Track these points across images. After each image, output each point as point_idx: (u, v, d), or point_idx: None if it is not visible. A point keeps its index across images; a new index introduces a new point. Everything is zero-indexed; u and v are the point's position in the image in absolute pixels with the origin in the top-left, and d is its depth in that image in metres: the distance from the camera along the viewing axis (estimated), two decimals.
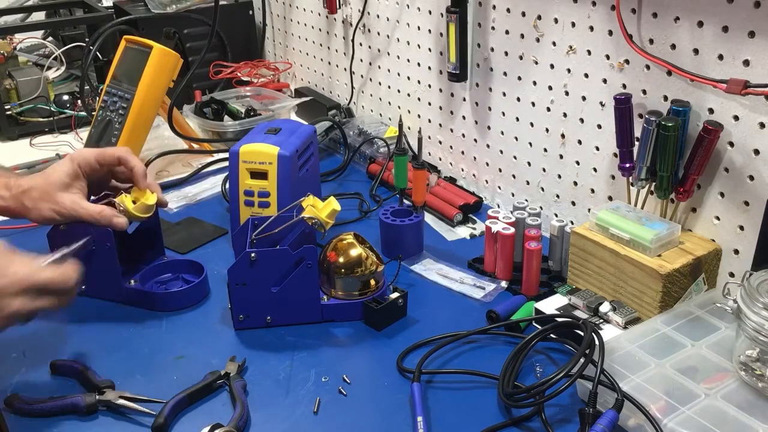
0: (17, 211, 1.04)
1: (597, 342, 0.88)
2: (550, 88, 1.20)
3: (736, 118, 0.95)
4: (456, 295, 1.13)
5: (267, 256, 1.01)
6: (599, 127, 1.14)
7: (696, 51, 0.97)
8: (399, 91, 1.59)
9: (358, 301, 1.06)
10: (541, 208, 1.21)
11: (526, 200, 1.30)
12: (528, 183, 1.31)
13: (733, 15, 0.92)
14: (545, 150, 1.25)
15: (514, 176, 1.34)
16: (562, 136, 1.21)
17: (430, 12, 1.42)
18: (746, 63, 0.92)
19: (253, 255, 1.00)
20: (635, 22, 1.03)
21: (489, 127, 1.36)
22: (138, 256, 1.17)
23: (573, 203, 1.23)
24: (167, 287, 1.14)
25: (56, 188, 1.05)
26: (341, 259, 1.05)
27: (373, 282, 1.07)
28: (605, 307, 1.02)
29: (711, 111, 0.98)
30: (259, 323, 1.05)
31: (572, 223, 1.15)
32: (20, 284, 0.87)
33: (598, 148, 1.15)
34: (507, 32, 1.26)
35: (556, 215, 1.26)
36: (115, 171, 1.11)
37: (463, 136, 1.44)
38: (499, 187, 1.38)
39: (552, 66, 1.19)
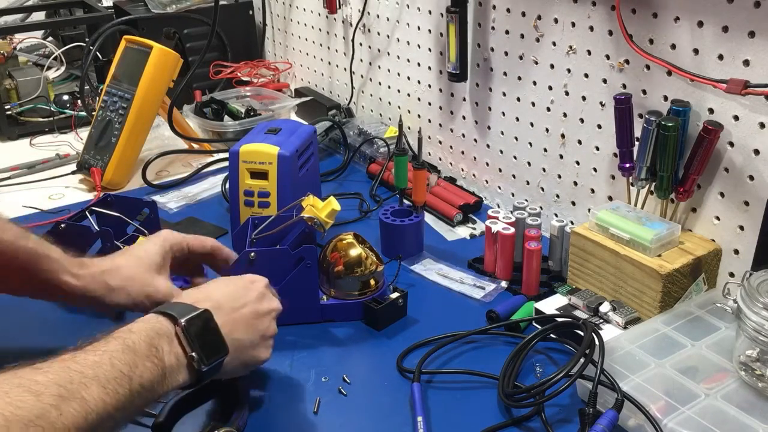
0: (93, 294, 0.92)
1: (597, 342, 0.88)
2: (550, 88, 1.20)
3: (736, 118, 0.95)
4: (456, 295, 1.13)
5: (266, 256, 1.01)
6: (599, 127, 1.14)
7: (696, 51, 0.97)
8: (399, 91, 1.59)
9: (358, 301, 1.06)
10: (541, 208, 1.21)
11: (526, 200, 1.30)
12: (528, 183, 1.31)
13: (733, 15, 0.92)
14: (545, 150, 1.25)
15: (514, 176, 1.34)
16: (562, 136, 1.21)
17: (430, 12, 1.42)
18: (746, 63, 0.92)
19: (252, 254, 1.00)
20: (635, 22, 1.04)
21: (489, 127, 1.36)
22: None
23: (573, 203, 1.23)
24: None
25: (149, 269, 0.95)
26: (341, 259, 1.05)
27: (373, 282, 1.07)
28: (605, 307, 1.02)
29: (711, 111, 0.98)
30: None
31: (572, 223, 1.15)
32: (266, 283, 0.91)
33: (598, 148, 1.15)
34: (507, 32, 1.26)
35: (556, 215, 1.26)
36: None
37: (463, 136, 1.44)
38: (499, 187, 1.38)
39: (552, 66, 1.19)
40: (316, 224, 1.08)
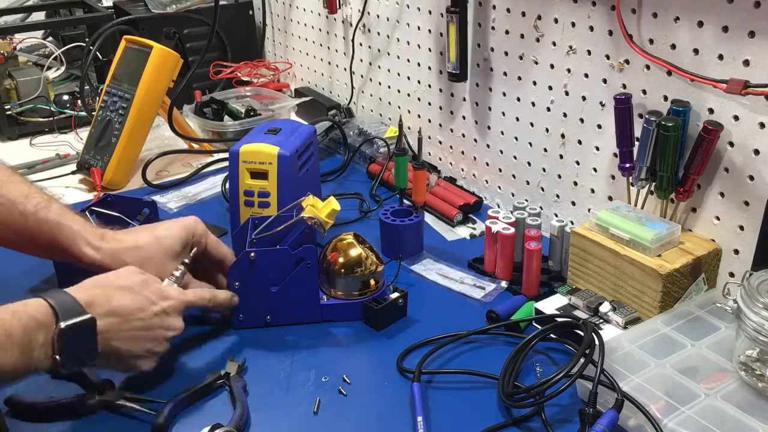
0: (109, 268, 0.93)
1: (597, 342, 0.88)
2: (550, 88, 1.20)
3: (736, 118, 0.95)
4: (456, 295, 1.13)
5: (266, 256, 1.01)
6: (599, 127, 1.14)
7: (696, 51, 0.97)
8: (399, 91, 1.59)
9: (357, 301, 1.06)
10: (541, 208, 1.21)
11: (526, 200, 1.30)
12: (528, 183, 1.31)
13: (733, 15, 0.92)
14: (545, 150, 1.25)
15: (514, 176, 1.34)
16: (562, 136, 1.21)
17: (430, 12, 1.42)
18: (746, 63, 0.92)
19: (252, 254, 1.00)
20: (635, 22, 1.03)
21: (489, 127, 1.36)
22: None
23: (573, 203, 1.23)
24: None
25: (166, 255, 0.98)
26: (341, 259, 1.05)
27: (372, 282, 1.07)
28: (605, 307, 1.02)
29: (711, 111, 0.98)
30: (259, 323, 1.05)
31: (572, 223, 1.15)
32: (180, 304, 0.92)
33: (598, 148, 1.15)
34: (507, 32, 1.26)
35: (556, 215, 1.26)
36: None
37: (463, 136, 1.43)
38: (499, 187, 1.38)
39: (552, 66, 1.19)
40: (316, 224, 1.08)
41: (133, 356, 0.88)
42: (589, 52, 1.12)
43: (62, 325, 0.78)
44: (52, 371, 0.81)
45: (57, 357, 0.78)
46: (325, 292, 1.07)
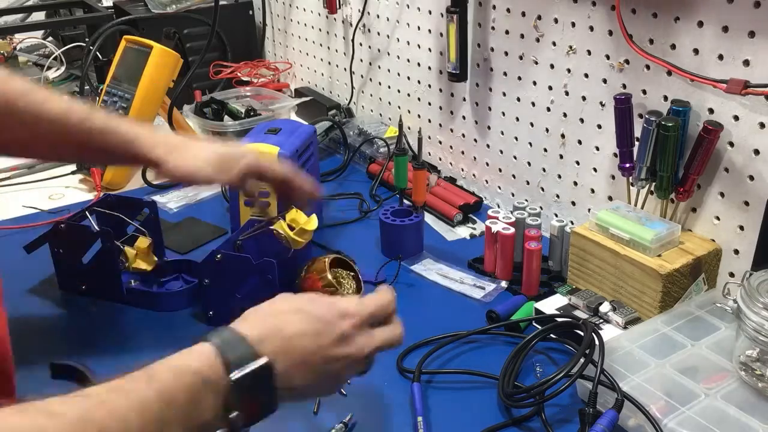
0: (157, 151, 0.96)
1: (597, 342, 0.88)
2: (550, 88, 1.20)
3: (736, 118, 0.95)
4: (456, 295, 1.13)
5: (230, 260, 1.00)
6: (599, 127, 1.14)
7: (696, 51, 0.97)
8: (399, 91, 1.59)
9: None
10: (541, 208, 1.21)
11: (526, 200, 1.30)
12: (528, 183, 1.31)
13: (733, 15, 0.92)
14: (545, 150, 1.25)
15: (514, 176, 1.34)
16: (562, 136, 1.21)
17: (430, 12, 1.42)
18: (746, 63, 0.92)
19: (218, 255, 1.00)
20: (635, 22, 1.03)
21: (489, 127, 1.36)
22: None
23: (573, 203, 1.23)
24: (167, 287, 1.14)
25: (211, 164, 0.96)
26: (312, 282, 1.01)
27: None
28: (605, 307, 1.02)
29: (711, 111, 0.98)
30: (227, 323, 1.04)
31: (572, 223, 1.15)
32: (361, 320, 0.72)
33: (598, 148, 1.15)
34: (507, 32, 1.26)
35: (556, 215, 1.26)
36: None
37: (463, 136, 1.43)
38: (499, 187, 1.38)
39: (552, 66, 1.19)
40: (284, 240, 1.02)
41: (313, 390, 0.74)
42: (589, 52, 1.12)
43: (236, 375, 0.63)
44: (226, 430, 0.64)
45: (235, 415, 0.63)
46: None
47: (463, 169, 1.47)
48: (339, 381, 0.75)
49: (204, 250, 1.26)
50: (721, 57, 0.94)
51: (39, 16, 2.09)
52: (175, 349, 1.04)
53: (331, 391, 0.79)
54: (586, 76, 1.14)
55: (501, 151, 1.35)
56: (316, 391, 0.76)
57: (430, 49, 1.46)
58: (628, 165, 1.06)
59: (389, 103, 1.64)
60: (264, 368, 0.65)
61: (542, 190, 1.28)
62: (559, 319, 1.00)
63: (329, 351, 0.70)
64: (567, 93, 1.18)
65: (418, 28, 1.47)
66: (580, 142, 1.18)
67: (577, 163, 1.20)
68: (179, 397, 0.60)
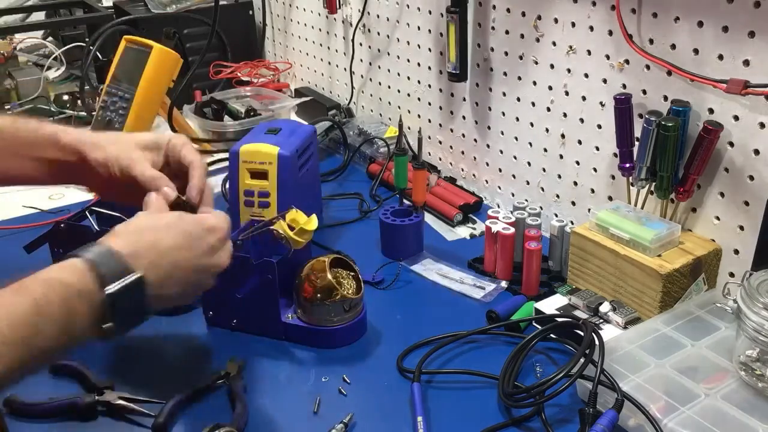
0: (81, 147, 0.88)
1: (597, 342, 0.88)
2: (550, 88, 1.20)
3: (736, 118, 0.95)
4: (456, 295, 1.13)
5: (231, 259, 0.99)
6: (599, 127, 1.14)
7: (696, 51, 0.97)
8: (399, 91, 1.59)
9: (327, 329, 1.00)
10: (541, 208, 1.21)
11: (526, 200, 1.30)
12: (528, 183, 1.31)
13: (733, 15, 0.92)
14: (545, 150, 1.25)
15: (514, 176, 1.34)
16: (562, 136, 1.21)
17: (430, 12, 1.42)
18: (746, 63, 0.92)
19: None
20: (635, 22, 1.03)
21: (489, 127, 1.36)
22: None
23: (573, 203, 1.23)
24: None
25: (134, 146, 0.90)
26: (311, 284, 1.00)
27: (346, 310, 1.01)
28: (605, 307, 1.02)
29: (711, 111, 0.98)
30: (226, 324, 1.04)
31: (572, 223, 1.15)
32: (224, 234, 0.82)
33: (598, 148, 1.15)
34: (507, 32, 1.26)
35: (556, 215, 1.26)
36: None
37: (463, 136, 1.43)
38: (499, 187, 1.38)
39: (552, 66, 1.19)
40: (283, 240, 1.01)
41: (181, 297, 0.80)
42: (589, 52, 1.12)
43: (110, 289, 0.68)
44: (98, 340, 0.70)
45: (109, 326, 0.69)
46: (296, 312, 1.03)
47: (463, 169, 1.47)
48: (203, 288, 0.83)
49: None
50: (721, 57, 0.94)
51: (39, 16, 2.10)
52: (175, 349, 1.05)
53: (195, 297, 0.87)
54: (586, 76, 1.14)
55: (501, 151, 1.35)
56: (183, 299, 0.82)
57: (430, 49, 1.46)
58: (628, 165, 1.06)
59: (389, 103, 1.64)
60: (137, 282, 0.71)
61: (542, 190, 1.28)
62: (559, 319, 1.00)
63: (199, 261, 0.79)
64: (567, 93, 1.18)
65: (418, 28, 1.47)
66: (580, 142, 1.18)
67: (577, 163, 1.20)
68: (53, 309, 0.65)
